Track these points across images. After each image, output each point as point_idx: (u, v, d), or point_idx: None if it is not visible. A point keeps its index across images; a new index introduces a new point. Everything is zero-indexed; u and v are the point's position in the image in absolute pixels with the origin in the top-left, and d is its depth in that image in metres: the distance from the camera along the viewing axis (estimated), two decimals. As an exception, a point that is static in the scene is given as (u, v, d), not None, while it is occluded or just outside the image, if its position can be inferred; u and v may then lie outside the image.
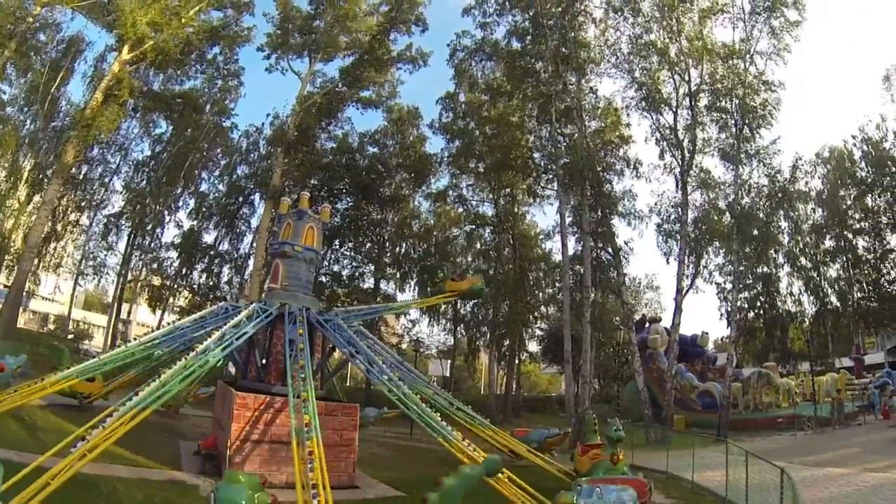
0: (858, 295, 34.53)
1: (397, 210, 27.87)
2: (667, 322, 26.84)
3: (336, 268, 27.57)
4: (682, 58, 23.92)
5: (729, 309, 25.58)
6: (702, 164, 25.85)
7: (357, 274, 27.60)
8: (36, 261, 26.80)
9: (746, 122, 24.24)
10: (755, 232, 27.11)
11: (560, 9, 23.35)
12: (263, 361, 11.50)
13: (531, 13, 23.23)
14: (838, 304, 34.56)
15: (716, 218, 25.37)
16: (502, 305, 25.52)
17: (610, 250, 22.70)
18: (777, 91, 24.47)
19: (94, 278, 34.50)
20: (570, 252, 22.53)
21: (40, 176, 27.21)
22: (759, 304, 31.07)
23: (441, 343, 33.34)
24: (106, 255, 32.33)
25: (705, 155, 25.25)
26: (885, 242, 33.65)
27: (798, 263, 32.66)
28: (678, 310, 23.37)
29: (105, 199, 32.34)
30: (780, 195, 27.58)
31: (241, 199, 30.23)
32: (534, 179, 24.82)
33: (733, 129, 24.33)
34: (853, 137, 33.62)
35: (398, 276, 29.04)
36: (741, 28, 24.82)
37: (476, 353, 32.59)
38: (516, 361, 31.46)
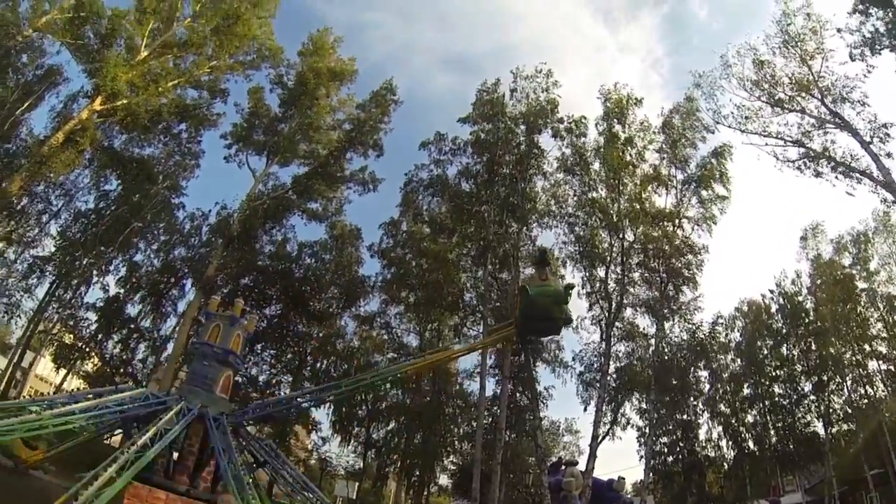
0: (775, 438, 35.86)
1: (323, 326, 27.62)
2: (584, 465, 26.87)
3: (254, 371, 26.70)
4: (621, 217, 25.52)
5: (645, 453, 25.93)
6: (628, 317, 27.15)
7: (274, 381, 26.66)
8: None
9: (672, 281, 25.86)
10: (674, 381, 28.29)
11: (515, 158, 24.79)
12: (175, 459, 11.35)
13: (486, 157, 24.53)
14: (755, 448, 35.71)
15: (637, 369, 26.27)
16: (416, 436, 25.01)
17: (529, 395, 22.95)
18: (701, 255, 26.45)
19: (2, 316, 32.36)
20: (489, 393, 22.70)
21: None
22: (678, 448, 31.72)
23: (350, 464, 32.10)
24: (22, 297, 30.51)
25: (634, 309, 26.53)
26: (799, 388, 35.54)
27: (717, 410, 33.85)
28: (593, 455, 23.52)
29: (37, 239, 30.91)
30: (698, 349, 29.14)
31: (173, 280, 29.29)
32: (461, 319, 25.34)
33: (660, 287, 25.78)
34: (770, 292, 36.26)
35: (315, 391, 27.91)
36: (673, 194, 27.16)
37: (385, 479, 31.40)
38: (426, 492, 30.52)
